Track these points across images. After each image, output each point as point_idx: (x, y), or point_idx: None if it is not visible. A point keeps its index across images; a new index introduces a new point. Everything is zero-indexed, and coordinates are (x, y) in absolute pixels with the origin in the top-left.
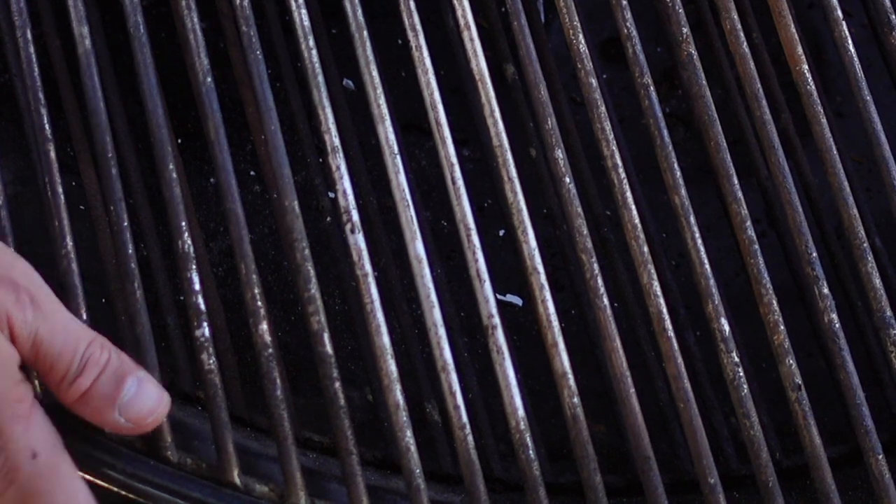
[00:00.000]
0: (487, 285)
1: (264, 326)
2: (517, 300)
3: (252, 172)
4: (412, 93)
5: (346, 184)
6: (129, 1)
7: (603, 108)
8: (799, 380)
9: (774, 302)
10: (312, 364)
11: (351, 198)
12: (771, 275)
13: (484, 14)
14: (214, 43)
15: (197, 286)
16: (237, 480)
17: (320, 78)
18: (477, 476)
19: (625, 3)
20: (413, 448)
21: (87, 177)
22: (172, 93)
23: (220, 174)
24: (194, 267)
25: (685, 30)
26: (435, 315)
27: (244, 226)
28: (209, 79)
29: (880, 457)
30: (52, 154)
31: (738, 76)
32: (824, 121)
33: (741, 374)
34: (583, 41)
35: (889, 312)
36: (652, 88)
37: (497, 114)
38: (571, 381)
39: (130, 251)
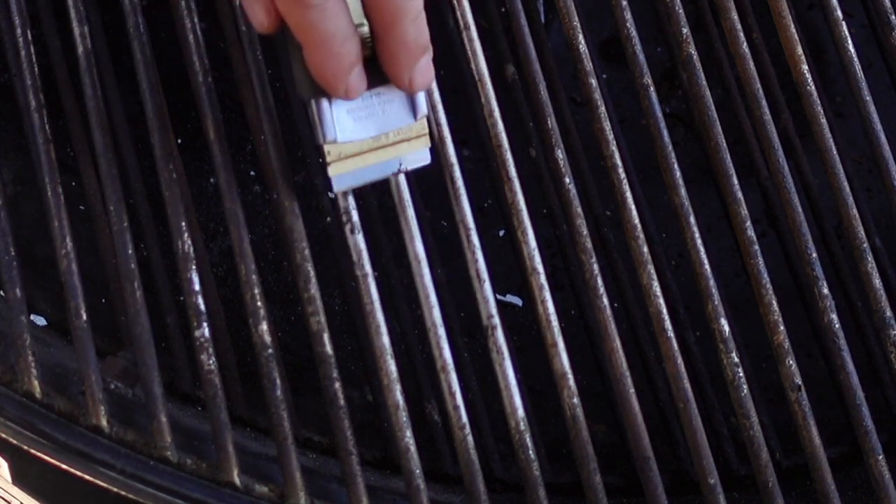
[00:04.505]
0: (487, 285)
1: (264, 326)
2: (517, 300)
3: (252, 172)
4: None
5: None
6: (129, 1)
7: (603, 108)
8: (799, 380)
9: (774, 302)
10: (312, 364)
11: (351, 198)
12: (771, 275)
13: (484, 14)
14: (214, 43)
15: (197, 286)
16: (237, 480)
17: None
18: (477, 476)
19: (625, 3)
20: (413, 448)
21: (87, 177)
22: (172, 93)
23: (220, 174)
24: (194, 267)
25: (685, 30)
26: (435, 315)
27: (244, 226)
28: (209, 79)
29: (880, 457)
30: (52, 154)
31: (738, 76)
32: (824, 121)
33: (741, 374)
34: (583, 41)
35: (889, 312)
36: (652, 88)
37: (497, 114)
38: (571, 381)
39: (130, 251)
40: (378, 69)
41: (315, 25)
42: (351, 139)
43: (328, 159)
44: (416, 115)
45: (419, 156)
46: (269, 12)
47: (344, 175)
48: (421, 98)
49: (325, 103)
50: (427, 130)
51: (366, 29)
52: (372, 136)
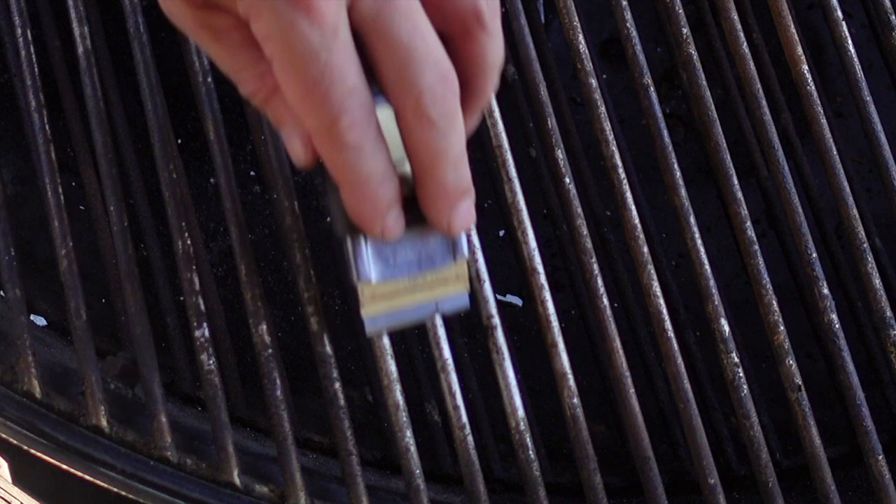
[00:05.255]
0: (487, 285)
1: (264, 326)
2: (517, 300)
3: (252, 172)
4: None
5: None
6: (129, 1)
7: (603, 108)
8: (799, 380)
9: (774, 302)
10: (312, 364)
11: None
12: (771, 275)
13: None
14: None
15: (197, 286)
16: (237, 480)
17: None
18: (477, 476)
19: (625, 3)
20: (413, 448)
21: (87, 177)
22: (172, 93)
23: (220, 174)
24: (194, 267)
25: (685, 30)
26: None
27: (244, 226)
28: (209, 79)
29: (880, 457)
30: (52, 154)
31: (738, 76)
32: (824, 121)
33: (741, 374)
34: (583, 41)
35: (889, 312)
36: (652, 88)
37: (497, 114)
38: (571, 381)
39: (130, 251)
40: (418, 208)
41: (351, 166)
42: (386, 279)
43: (361, 299)
44: (455, 256)
45: (457, 299)
46: (308, 148)
47: (378, 317)
48: (462, 239)
49: (360, 242)
50: (466, 273)
51: (408, 168)
52: (408, 276)
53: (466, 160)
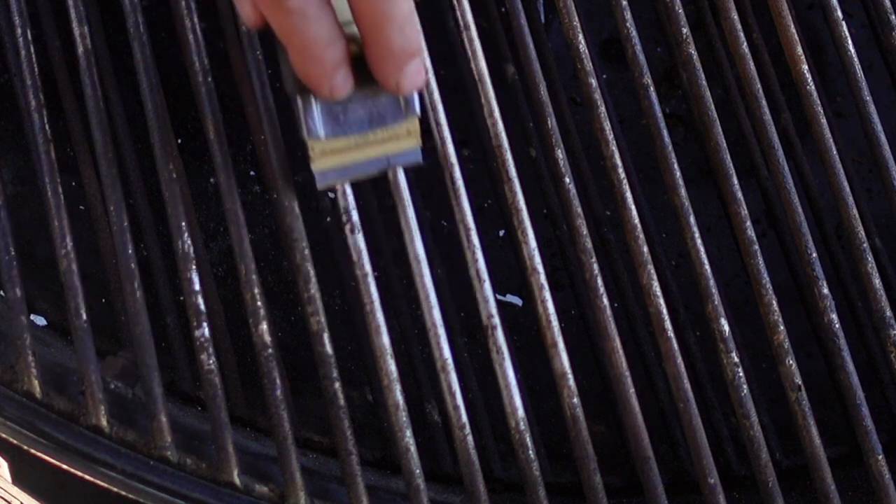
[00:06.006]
0: (487, 285)
1: (264, 326)
2: (517, 300)
3: (252, 172)
4: None
5: (346, 184)
6: (129, 1)
7: (603, 108)
8: (799, 380)
9: (774, 302)
10: (312, 364)
11: (351, 198)
12: (771, 275)
13: (484, 14)
14: (214, 43)
15: (197, 286)
16: (237, 480)
17: None
18: (477, 476)
19: (625, 3)
20: (413, 448)
21: (87, 177)
22: (172, 93)
23: (220, 174)
24: (194, 267)
25: (685, 30)
26: (435, 315)
27: (244, 226)
28: (209, 79)
29: (880, 457)
30: (52, 154)
31: (738, 76)
32: (824, 121)
33: (741, 374)
34: (583, 41)
35: (889, 312)
36: (652, 88)
37: (497, 114)
38: (571, 381)
39: (130, 251)
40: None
41: (296, 30)
42: (336, 136)
43: (311, 155)
44: (406, 113)
45: (409, 154)
46: (256, 10)
47: (328, 171)
48: (413, 97)
49: (310, 99)
50: (418, 129)
51: (355, 28)
52: (359, 133)
53: (415, 21)
